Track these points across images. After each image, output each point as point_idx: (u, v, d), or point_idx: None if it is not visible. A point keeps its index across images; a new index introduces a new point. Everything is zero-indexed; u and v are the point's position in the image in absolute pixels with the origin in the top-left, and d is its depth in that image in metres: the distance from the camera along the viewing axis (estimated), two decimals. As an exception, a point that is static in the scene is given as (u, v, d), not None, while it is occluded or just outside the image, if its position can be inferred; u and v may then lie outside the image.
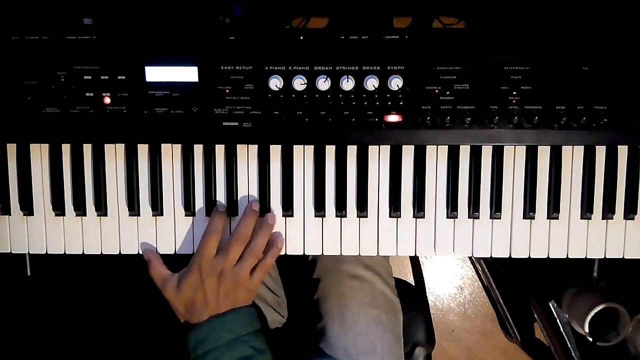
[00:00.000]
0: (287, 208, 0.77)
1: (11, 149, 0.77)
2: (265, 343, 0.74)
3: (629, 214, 0.77)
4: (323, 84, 0.73)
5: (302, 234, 0.78)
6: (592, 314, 1.05)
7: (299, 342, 0.86)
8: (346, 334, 0.81)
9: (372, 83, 0.73)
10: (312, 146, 0.77)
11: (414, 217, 0.77)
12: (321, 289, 0.86)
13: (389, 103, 0.74)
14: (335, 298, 0.84)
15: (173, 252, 0.78)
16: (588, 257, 0.78)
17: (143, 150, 0.77)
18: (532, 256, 0.78)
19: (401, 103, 0.74)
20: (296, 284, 0.94)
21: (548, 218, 0.77)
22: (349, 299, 0.83)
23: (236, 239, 0.73)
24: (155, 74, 0.74)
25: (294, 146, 0.77)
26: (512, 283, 1.36)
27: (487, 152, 0.77)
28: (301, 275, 0.90)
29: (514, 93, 0.74)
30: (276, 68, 0.74)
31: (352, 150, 0.77)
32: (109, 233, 0.78)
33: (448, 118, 0.74)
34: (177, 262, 0.77)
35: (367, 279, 0.85)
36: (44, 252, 0.78)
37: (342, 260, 0.86)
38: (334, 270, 0.86)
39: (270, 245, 0.76)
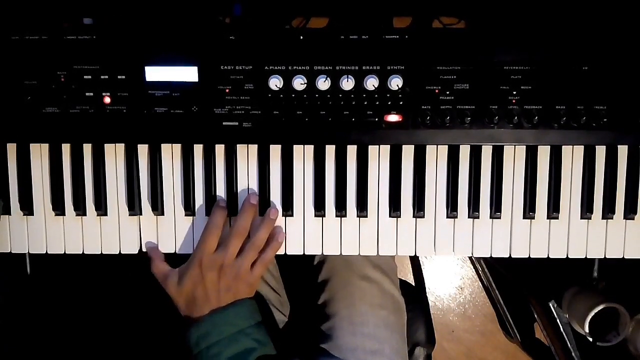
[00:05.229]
0: (287, 208, 0.77)
1: (11, 148, 0.77)
2: (267, 335, 0.74)
3: (629, 213, 0.77)
4: (323, 83, 0.73)
5: (302, 233, 0.78)
6: (592, 314, 1.05)
7: (301, 342, 0.86)
8: (354, 335, 0.81)
9: (372, 83, 0.73)
10: (312, 146, 0.77)
11: (413, 217, 0.77)
12: (329, 290, 0.86)
13: (389, 103, 0.74)
14: (345, 299, 0.84)
15: (173, 252, 0.78)
16: (588, 257, 0.78)
17: (143, 150, 0.77)
18: (532, 256, 0.78)
19: (401, 103, 0.74)
20: (296, 287, 0.94)
21: (548, 218, 0.77)
22: (358, 299, 0.83)
23: (236, 233, 0.74)
24: (155, 73, 0.74)
25: (294, 146, 0.77)
26: (512, 283, 1.36)
27: (487, 152, 0.77)
28: (301, 277, 0.90)
29: (514, 93, 0.74)
30: (276, 68, 0.74)
31: (352, 150, 0.77)
32: (109, 233, 0.78)
33: (448, 118, 0.74)
34: (178, 261, 0.77)
35: (376, 279, 0.85)
36: (44, 252, 0.78)
37: (352, 261, 0.86)
38: (344, 271, 0.86)
39: (271, 240, 0.76)
